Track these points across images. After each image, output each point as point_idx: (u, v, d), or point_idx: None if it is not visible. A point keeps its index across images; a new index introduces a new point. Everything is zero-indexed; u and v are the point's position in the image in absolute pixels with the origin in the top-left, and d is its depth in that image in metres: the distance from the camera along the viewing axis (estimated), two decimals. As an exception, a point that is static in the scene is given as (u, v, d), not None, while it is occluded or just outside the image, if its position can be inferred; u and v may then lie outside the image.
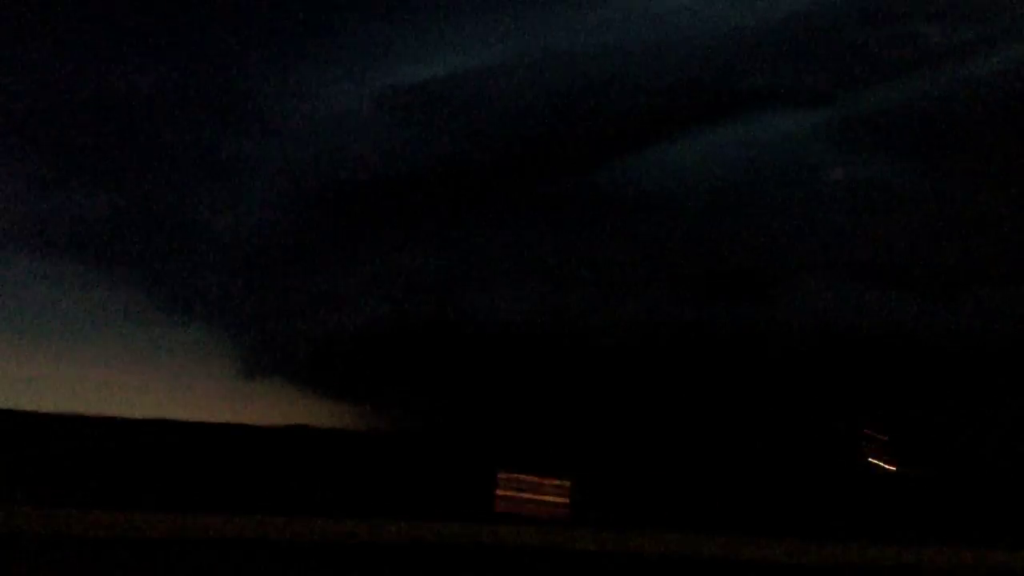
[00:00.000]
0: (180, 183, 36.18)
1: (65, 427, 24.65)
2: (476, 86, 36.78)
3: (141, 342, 33.58)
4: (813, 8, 36.72)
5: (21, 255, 34.32)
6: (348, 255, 35.50)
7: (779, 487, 26.28)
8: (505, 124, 36.63)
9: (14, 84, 35.47)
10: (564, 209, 35.93)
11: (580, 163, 36.96)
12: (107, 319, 34.07)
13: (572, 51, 37.49)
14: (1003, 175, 33.91)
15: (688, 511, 24.88)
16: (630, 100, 36.18)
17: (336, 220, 36.10)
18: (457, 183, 35.54)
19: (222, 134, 36.42)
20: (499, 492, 25.33)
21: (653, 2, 39.07)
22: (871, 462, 29.03)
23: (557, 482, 25.63)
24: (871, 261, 34.00)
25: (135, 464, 23.88)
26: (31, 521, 20.45)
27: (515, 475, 25.66)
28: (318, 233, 35.69)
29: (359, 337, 33.16)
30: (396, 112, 36.13)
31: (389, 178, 35.73)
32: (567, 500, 25.50)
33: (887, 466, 29.21)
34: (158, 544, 20.04)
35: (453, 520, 23.39)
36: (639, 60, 36.38)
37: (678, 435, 30.44)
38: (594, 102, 36.11)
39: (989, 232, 33.05)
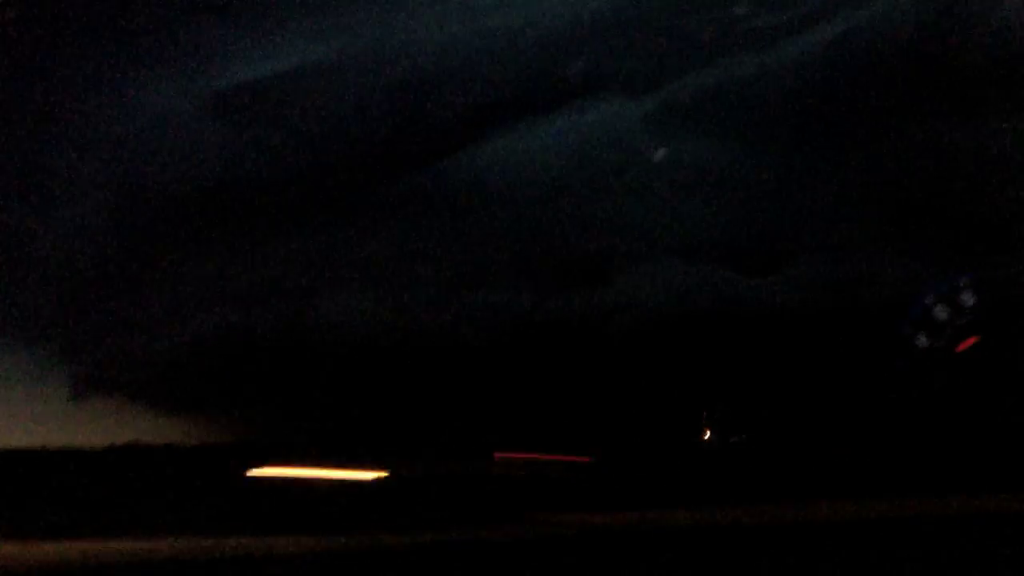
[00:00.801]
0: (-6, 196, 34.32)
1: None
2: (307, 84, 36.30)
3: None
4: (620, 5, 37.67)
5: None
6: (183, 265, 34.52)
7: (625, 473, 27.19)
8: (339, 123, 36.33)
9: None
10: (404, 207, 36.00)
11: (416, 160, 37.05)
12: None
13: (404, 46, 37.41)
14: (817, 151, 35.96)
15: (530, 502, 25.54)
16: (463, 94, 36.47)
17: (169, 229, 35.07)
18: (295, 185, 35.10)
19: (41, 143, 34.81)
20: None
21: (477, -4, 39.16)
22: (705, 437, 30.41)
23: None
24: (700, 240, 35.48)
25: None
26: None
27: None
28: (151, 244, 34.59)
29: (200, 349, 32.45)
30: (227, 114, 35.31)
31: (223, 183, 34.95)
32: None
33: (717, 438, 30.46)
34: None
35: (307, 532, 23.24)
36: (470, 53, 36.69)
37: (532, 425, 31.35)
38: (428, 97, 36.25)
39: (806, 205, 35.07)
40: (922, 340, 20.65)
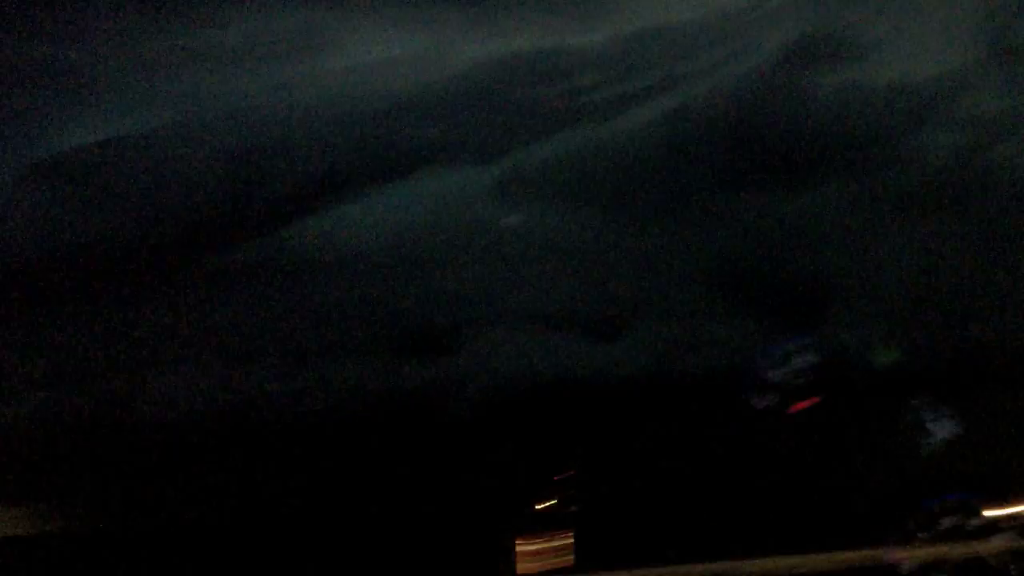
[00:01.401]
0: None
1: None
2: (142, 151, 34.96)
3: None
4: (480, 68, 38.22)
5: None
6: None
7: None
8: (177, 190, 35.01)
9: None
10: (246, 276, 34.91)
11: (258, 228, 36.09)
12: None
13: (246, 111, 36.66)
14: (657, 219, 37.11)
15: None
16: (306, 161, 35.92)
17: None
18: (126, 256, 33.52)
19: None
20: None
21: (327, 60, 38.95)
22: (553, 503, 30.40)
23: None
24: (548, 307, 35.81)
25: None
26: None
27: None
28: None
29: (10, 433, 30.23)
30: (50, 184, 33.55)
31: (48, 256, 33.06)
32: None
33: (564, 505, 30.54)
34: None
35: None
36: (314, 119, 36.27)
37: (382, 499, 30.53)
38: (270, 163, 35.49)
39: (647, 272, 36.00)
40: (759, 401, 21.28)
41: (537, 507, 30.25)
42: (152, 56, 35.80)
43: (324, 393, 33.57)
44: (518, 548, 29.01)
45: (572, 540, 28.62)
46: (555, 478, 31.67)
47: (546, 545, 29.06)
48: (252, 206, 35.31)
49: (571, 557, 28.59)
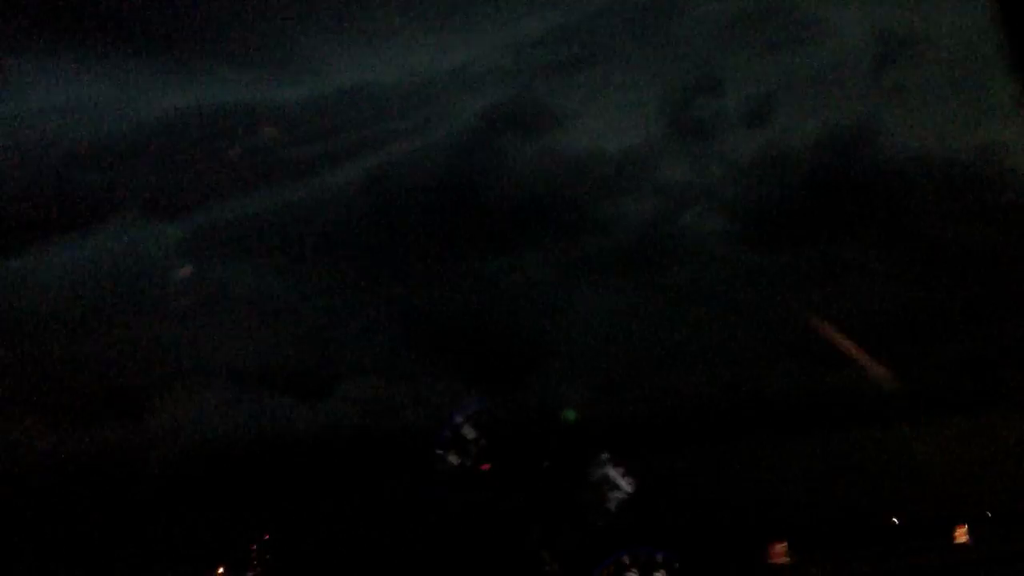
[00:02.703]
0: None
1: None
2: None
3: None
4: (172, 119, 36.72)
5: None
6: None
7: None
8: None
9: None
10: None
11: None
12: None
13: None
14: (366, 277, 36.93)
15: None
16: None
17: None
18: None
19: None
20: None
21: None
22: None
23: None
24: (245, 365, 34.56)
25: None
26: None
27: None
28: None
29: None
30: None
31: None
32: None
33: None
34: None
35: None
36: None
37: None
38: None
39: (354, 330, 35.74)
40: (453, 459, 21.48)
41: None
42: None
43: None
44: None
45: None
46: (251, 546, 30.28)
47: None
48: None
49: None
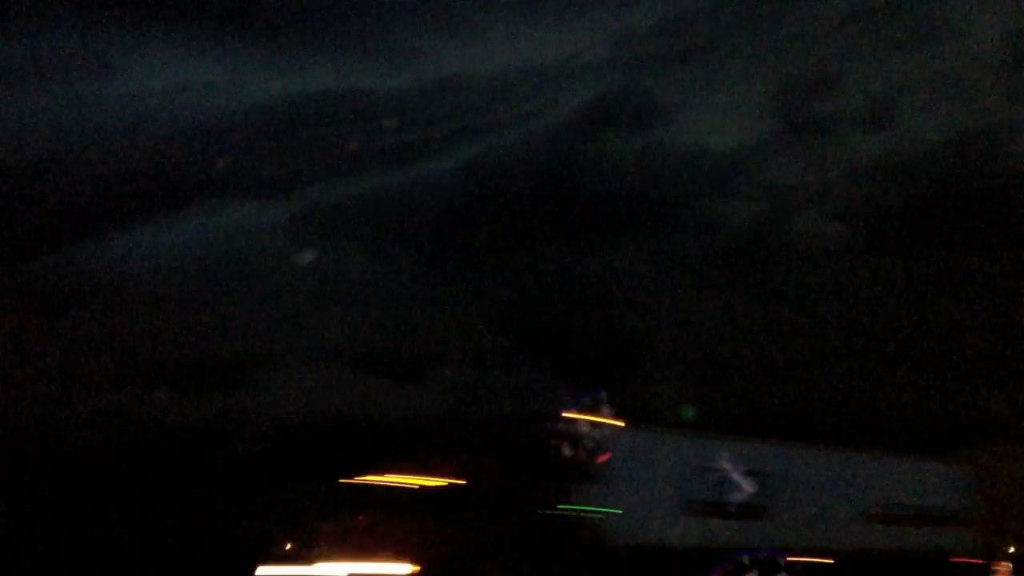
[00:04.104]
0: None
1: None
2: None
3: None
4: (277, 102, 36.86)
5: None
6: None
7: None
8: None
9: None
10: (11, 303, 31.78)
11: (28, 252, 33.10)
12: None
13: (18, 129, 33.75)
14: (462, 266, 36.64)
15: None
16: (82, 186, 33.27)
17: None
18: None
19: None
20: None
21: (112, 83, 36.42)
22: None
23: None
24: (343, 346, 34.54)
25: None
26: None
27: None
28: None
29: None
30: None
31: None
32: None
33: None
34: None
35: None
36: (92, 144, 33.79)
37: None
38: (42, 187, 32.70)
39: (449, 317, 35.44)
40: (566, 450, 20.93)
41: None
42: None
43: (101, 424, 30.75)
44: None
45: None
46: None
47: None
48: (23, 227, 32.32)
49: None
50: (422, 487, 17.07)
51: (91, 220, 33.84)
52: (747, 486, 18.69)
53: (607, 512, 17.22)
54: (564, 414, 21.09)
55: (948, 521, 20.66)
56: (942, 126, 36.37)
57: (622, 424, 20.14)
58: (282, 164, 36.23)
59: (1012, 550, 22.87)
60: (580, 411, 21.28)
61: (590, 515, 17.27)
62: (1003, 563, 22.26)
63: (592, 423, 21.18)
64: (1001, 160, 34.63)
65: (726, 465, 18.73)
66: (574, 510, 16.88)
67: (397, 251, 37.04)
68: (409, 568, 16.19)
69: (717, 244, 35.91)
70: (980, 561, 21.33)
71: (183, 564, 26.88)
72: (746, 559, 18.18)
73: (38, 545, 26.79)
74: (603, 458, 21.21)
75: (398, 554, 16.64)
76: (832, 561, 18.83)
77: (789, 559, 18.25)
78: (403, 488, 17.50)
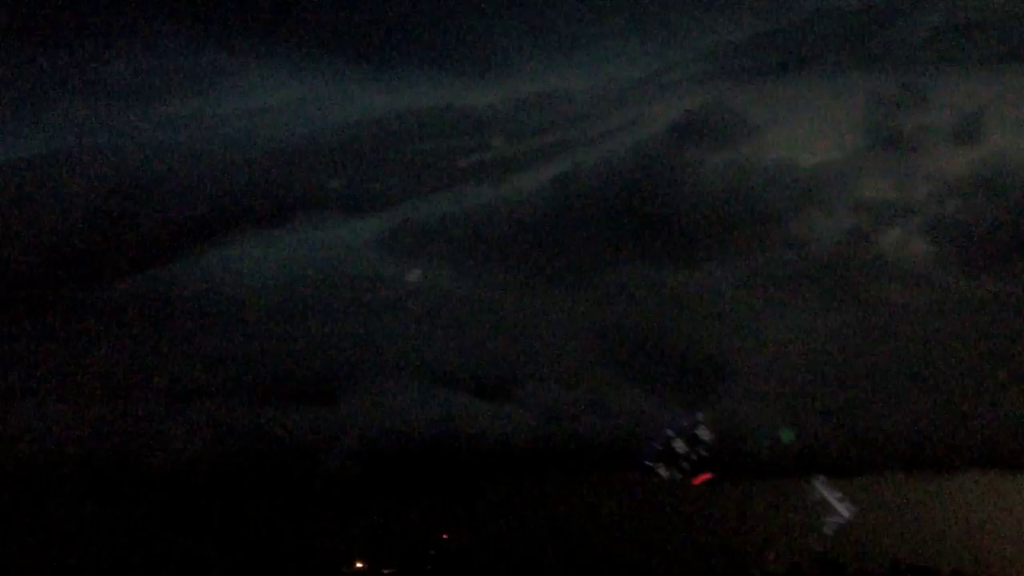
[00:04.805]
0: None
1: None
2: (12, 178, 33.17)
3: None
4: (372, 119, 37.80)
5: None
6: None
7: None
8: (49, 220, 33.14)
9: None
10: (117, 316, 33.20)
11: (135, 265, 34.44)
12: None
13: (127, 146, 35.24)
14: (551, 282, 37.00)
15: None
16: (186, 200, 34.64)
17: None
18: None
19: None
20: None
21: (216, 101, 37.88)
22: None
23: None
24: (433, 362, 35.08)
25: None
26: None
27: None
28: None
29: None
30: None
31: None
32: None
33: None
34: None
35: None
36: (194, 162, 35.15)
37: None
38: (144, 203, 34.11)
39: (536, 335, 35.84)
40: (664, 471, 21.37)
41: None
42: (29, 85, 34.16)
43: (199, 437, 31.90)
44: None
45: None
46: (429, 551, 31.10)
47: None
48: (127, 241, 33.70)
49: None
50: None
51: (191, 237, 35.08)
52: None
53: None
54: (666, 434, 21.56)
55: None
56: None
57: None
58: (377, 180, 37.14)
59: None
60: (681, 432, 21.71)
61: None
62: None
63: (693, 444, 21.61)
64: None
65: None
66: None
67: (488, 267, 37.62)
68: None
69: (804, 260, 35.67)
70: None
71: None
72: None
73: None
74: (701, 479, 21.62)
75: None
76: None
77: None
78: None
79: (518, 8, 39.62)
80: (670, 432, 20.96)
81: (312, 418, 33.68)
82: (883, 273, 34.80)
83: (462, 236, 37.11)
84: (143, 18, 35.63)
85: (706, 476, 21.24)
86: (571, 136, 39.07)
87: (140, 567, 27.93)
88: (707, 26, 38.61)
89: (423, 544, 31.17)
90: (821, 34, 37.96)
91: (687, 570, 25.56)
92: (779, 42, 38.22)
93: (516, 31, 39.10)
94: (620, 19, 39.53)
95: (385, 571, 30.18)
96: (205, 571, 28.86)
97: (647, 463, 21.68)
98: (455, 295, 36.46)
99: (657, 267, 36.16)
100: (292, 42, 37.31)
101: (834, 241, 35.37)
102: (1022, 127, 35.64)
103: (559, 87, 39.95)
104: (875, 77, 37.44)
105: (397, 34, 38.28)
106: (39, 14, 34.22)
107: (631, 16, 39.16)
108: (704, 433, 21.67)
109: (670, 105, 38.18)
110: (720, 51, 38.49)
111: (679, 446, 21.35)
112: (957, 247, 34.22)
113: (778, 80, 37.47)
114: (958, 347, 31.59)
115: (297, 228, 36.57)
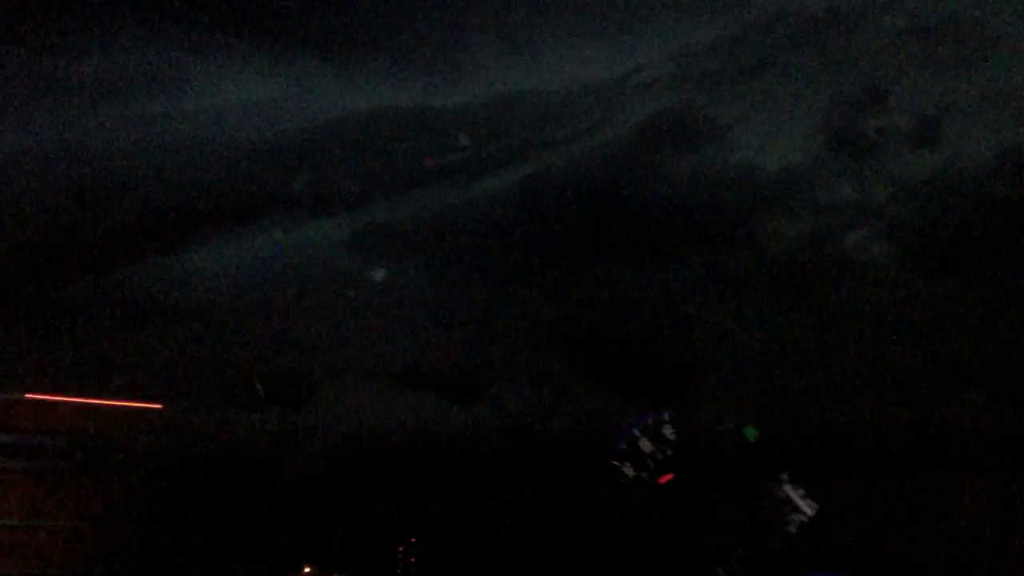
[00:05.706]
0: None
1: None
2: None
3: None
4: (342, 119, 37.69)
5: None
6: None
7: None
8: (4, 224, 32.76)
9: None
10: (85, 314, 32.86)
11: (98, 265, 34.07)
12: None
13: (94, 144, 34.83)
14: (519, 283, 37.24)
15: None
16: (150, 202, 34.33)
17: None
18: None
19: None
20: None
21: (185, 100, 37.55)
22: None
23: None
24: (400, 363, 35.23)
25: None
26: None
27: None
28: None
29: None
30: None
31: None
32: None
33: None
34: None
35: None
36: (160, 161, 34.84)
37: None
38: (110, 203, 33.75)
39: (506, 335, 36.03)
40: (630, 469, 21.45)
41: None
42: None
43: (162, 439, 31.64)
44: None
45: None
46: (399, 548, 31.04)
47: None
48: (90, 241, 33.37)
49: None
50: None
51: (156, 237, 34.80)
52: None
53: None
54: (632, 433, 21.68)
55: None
56: (992, 144, 36.37)
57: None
58: (346, 180, 37.05)
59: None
60: (647, 431, 21.82)
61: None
62: None
63: (659, 443, 21.75)
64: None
65: None
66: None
67: (455, 269, 37.73)
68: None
69: (767, 262, 36.22)
70: None
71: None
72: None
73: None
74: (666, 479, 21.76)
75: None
76: None
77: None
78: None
79: (487, 9, 39.68)
80: (635, 431, 21.09)
81: (276, 420, 33.75)
82: (845, 274, 35.62)
83: (430, 237, 37.26)
84: (109, 17, 35.25)
85: (670, 476, 21.39)
86: (539, 137, 39.22)
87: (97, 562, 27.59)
88: (674, 29, 38.97)
89: (390, 547, 31.16)
90: (784, 37, 38.46)
91: (652, 569, 25.81)
92: (743, 45, 38.67)
93: (485, 32, 39.15)
94: (589, 22, 39.73)
95: (335, 576, 30.20)
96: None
97: (613, 462, 21.76)
98: (423, 296, 36.61)
99: (624, 268, 36.59)
100: (260, 42, 37.08)
101: (797, 242, 36.21)
102: (982, 130, 36.44)
103: (527, 88, 40.01)
104: (837, 80, 38.08)
105: (366, 34, 38.19)
106: (1, 13, 33.76)
107: (599, 19, 39.34)
108: (669, 432, 21.80)
109: (637, 107, 38.62)
110: (686, 54, 38.82)
111: (645, 445, 21.49)
112: (917, 248, 34.95)
113: (742, 83, 37.96)
114: (919, 347, 32.24)
115: (265, 228, 36.49)
